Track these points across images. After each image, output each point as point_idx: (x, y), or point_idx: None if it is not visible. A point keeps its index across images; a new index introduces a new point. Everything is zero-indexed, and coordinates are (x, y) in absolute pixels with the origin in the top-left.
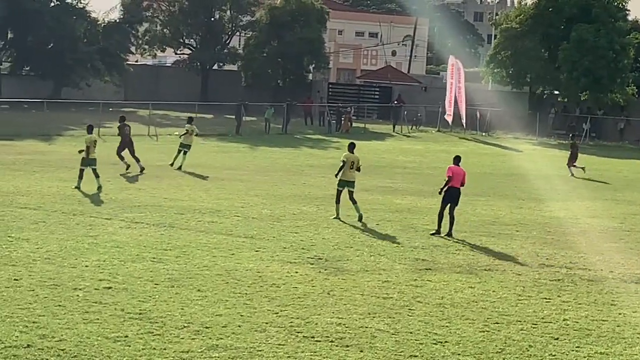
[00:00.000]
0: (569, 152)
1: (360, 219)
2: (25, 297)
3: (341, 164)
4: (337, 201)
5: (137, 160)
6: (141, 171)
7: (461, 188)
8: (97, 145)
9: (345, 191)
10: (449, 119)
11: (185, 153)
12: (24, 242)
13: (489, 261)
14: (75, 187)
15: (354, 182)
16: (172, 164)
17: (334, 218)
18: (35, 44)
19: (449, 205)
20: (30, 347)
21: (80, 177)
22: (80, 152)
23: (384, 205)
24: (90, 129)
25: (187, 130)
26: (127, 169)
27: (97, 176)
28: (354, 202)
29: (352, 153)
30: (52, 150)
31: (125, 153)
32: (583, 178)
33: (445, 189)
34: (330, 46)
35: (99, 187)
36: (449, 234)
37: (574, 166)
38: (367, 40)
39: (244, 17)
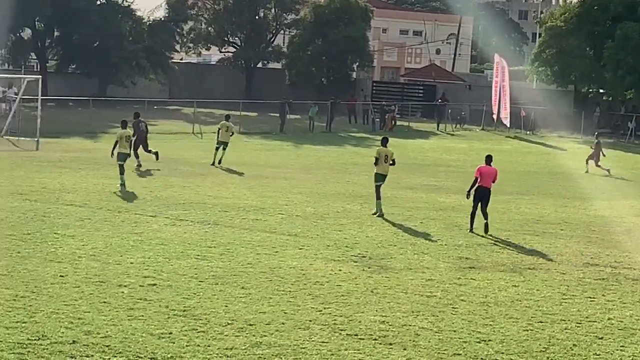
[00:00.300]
0: (592, 150)
1: (376, 213)
2: (70, 294)
3: (374, 159)
4: (378, 197)
5: (137, 157)
6: (138, 167)
7: (492, 186)
8: (129, 140)
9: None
10: (506, 121)
11: (223, 149)
12: (69, 239)
13: (533, 260)
14: (121, 184)
15: (386, 175)
16: (213, 164)
17: (375, 214)
18: (81, 42)
19: (480, 203)
20: (76, 343)
21: (121, 172)
22: (112, 152)
23: (428, 204)
24: (124, 124)
25: (220, 127)
26: (138, 166)
27: (121, 173)
28: (378, 198)
29: (385, 147)
30: (97, 147)
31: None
32: (622, 178)
33: (474, 188)
34: (375, 44)
35: (122, 183)
36: (486, 231)
37: (599, 166)
38: (412, 38)
39: (289, 15)
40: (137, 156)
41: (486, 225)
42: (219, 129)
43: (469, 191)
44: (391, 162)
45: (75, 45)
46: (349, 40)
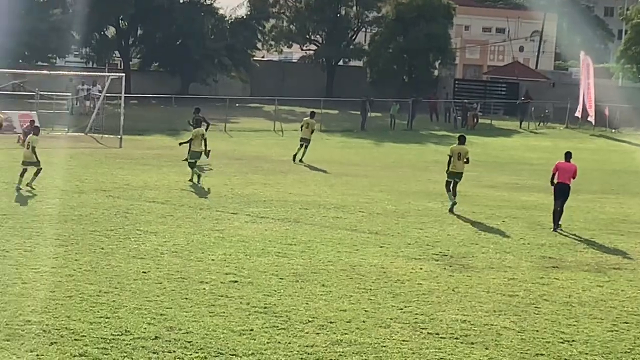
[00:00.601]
0: None
1: (451, 209)
2: (153, 290)
3: (447, 157)
4: (448, 189)
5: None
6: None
7: (577, 185)
8: (204, 139)
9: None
10: (591, 119)
11: (305, 147)
12: (152, 235)
13: (618, 260)
14: (190, 180)
15: (461, 173)
16: (294, 160)
17: (452, 204)
18: (164, 40)
19: (560, 200)
20: (158, 339)
21: (192, 167)
22: (180, 144)
23: (510, 202)
24: (197, 122)
25: (302, 124)
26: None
27: (192, 167)
28: (454, 195)
29: (462, 145)
30: (178, 145)
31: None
32: None
33: (555, 184)
34: (457, 42)
35: (191, 180)
36: (556, 227)
37: None
38: (494, 36)
39: (370, 12)
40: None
41: (558, 222)
42: (302, 125)
43: (551, 182)
44: (465, 160)
45: (158, 43)
46: (430, 38)
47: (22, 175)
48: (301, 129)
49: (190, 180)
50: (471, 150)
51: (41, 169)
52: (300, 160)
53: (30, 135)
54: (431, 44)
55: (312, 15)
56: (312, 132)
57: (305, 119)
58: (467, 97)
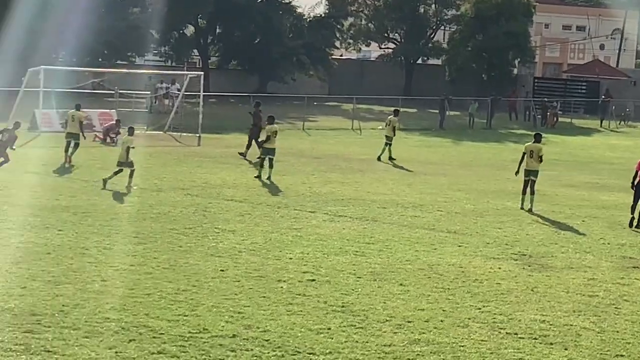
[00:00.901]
0: None
1: (530, 210)
2: (230, 288)
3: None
4: (523, 192)
5: (248, 148)
6: (244, 156)
7: None
8: (277, 136)
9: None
10: None
11: (387, 145)
12: (230, 233)
13: None
14: (256, 177)
15: (536, 171)
16: (379, 158)
17: (528, 210)
18: (242, 38)
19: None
20: (236, 337)
21: (261, 165)
22: (261, 142)
23: (590, 202)
24: (271, 120)
25: (386, 122)
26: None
27: (271, 167)
28: (532, 193)
29: (537, 143)
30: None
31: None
32: None
33: (636, 182)
34: (536, 40)
35: (268, 177)
36: (630, 224)
37: None
38: (575, 34)
39: (449, 10)
40: (259, 146)
41: (632, 220)
42: (386, 123)
43: (632, 183)
44: (539, 158)
45: (236, 41)
46: (510, 36)
47: (115, 173)
48: (385, 127)
49: (257, 177)
50: (551, 149)
51: (134, 169)
52: (379, 159)
53: (126, 136)
54: (510, 42)
55: (390, 14)
56: (393, 130)
57: (389, 117)
58: (546, 95)
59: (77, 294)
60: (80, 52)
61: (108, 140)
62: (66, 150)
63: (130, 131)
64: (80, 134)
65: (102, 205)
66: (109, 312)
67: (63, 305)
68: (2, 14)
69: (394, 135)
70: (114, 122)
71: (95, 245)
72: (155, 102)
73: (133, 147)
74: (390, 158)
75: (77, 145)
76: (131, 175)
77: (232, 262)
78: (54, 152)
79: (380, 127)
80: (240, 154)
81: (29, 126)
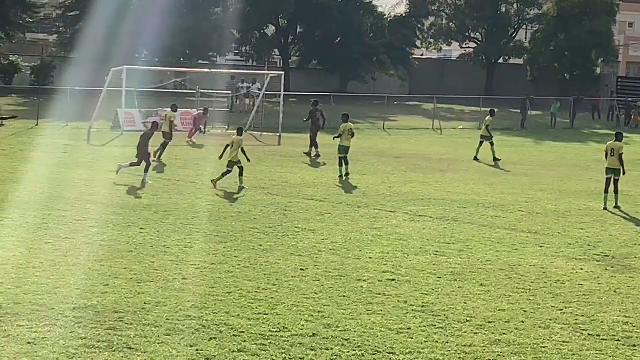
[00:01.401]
0: None
1: (616, 206)
2: (310, 287)
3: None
4: (605, 191)
5: (315, 146)
6: (316, 157)
7: None
8: (352, 134)
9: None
10: None
11: (480, 144)
12: (310, 233)
13: None
14: (340, 176)
15: (617, 170)
16: (475, 158)
17: (603, 209)
18: (323, 38)
19: None
20: (316, 336)
21: (340, 164)
22: (334, 138)
23: None
24: (346, 118)
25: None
26: (315, 156)
27: (346, 163)
28: (616, 192)
29: (618, 142)
30: (337, 143)
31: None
32: None
33: None
34: (620, 39)
35: (344, 175)
36: None
37: None
38: None
39: (531, 10)
40: (316, 145)
41: None
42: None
43: None
44: (619, 157)
45: (317, 41)
46: (593, 35)
47: (223, 175)
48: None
49: (341, 176)
50: (634, 149)
51: (242, 167)
52: (476, 159)
53: (235, 136)
54: (593, 41)
55: (471, 13)
56: (487, 129)
57: (487, 118)
58: (630, 95)
59: (158, 291)
60: (162, 52)
61: (196, 133)
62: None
63: (239, 131)
64: (170, 133)
65: (183, 204)
66: (190, 310)
67: (145, 303)
68: (85, 14)
69: (490, 134)
70: (202, 110)
71: (177, 244)
72: (237, 102)
73: (241, 147)
74: (495, 159)
75: (165, 144)
76: (241, 174)
77: (312, 261)
78: (136, 151)
79: (461, 127)
80: (305, 153)
81: (111, 125)
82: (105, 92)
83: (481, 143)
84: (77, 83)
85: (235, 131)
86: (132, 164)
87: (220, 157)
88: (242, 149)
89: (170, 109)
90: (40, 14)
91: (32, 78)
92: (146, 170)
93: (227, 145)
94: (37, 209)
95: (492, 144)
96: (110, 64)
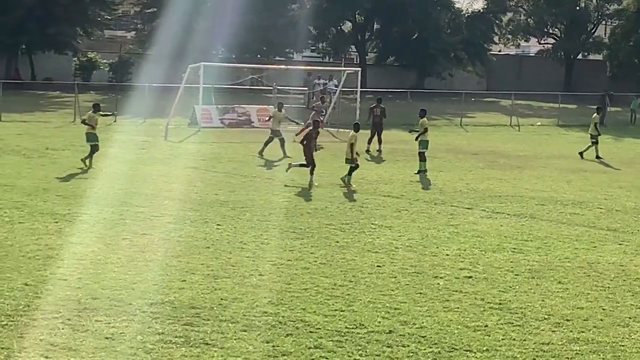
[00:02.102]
0: None
1: None
2: (387, 284)
3: None
4: None
5: (380, 142)
6: (379, 153)
7: None
8: (428, 131)
9: None
10: None
11: (594, 143)
12: (386, 229)
13: None
14: (416, 173)
15: None
16: (581, 154)
17: None
18: (400, 34)
19: None
20: (392, 333)
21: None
22: (417, 137)
23: None
24: (423, 113)
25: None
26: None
27: (423, 160)
28: None
29: None
30: (414, 139)
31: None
32: None
33: None
34: None
35: (418, 172)
36: None
37: None
38: None
39: (611, 5)
40: (379, 141)
41: None
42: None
43: None
44: None
45: (394, 37)
46: None
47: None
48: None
49: (418, 172)
50: None
51: (357, 165)
52: (598, 157)
53: (352, 132)
54: None
55: (550, 9)
56: (595, 127)
57: (594, 115)
58: None
59: (235, 287)
60: (238, 48)
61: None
62: (265, 144)
63: (356, 127)
64: (278, 130)
65: (259, 200)
66: (266, 306)
67: (221, 299)
68: (162, 11)
69: (598, 133)
70: (320, 99)
71: (253, 240)
72: (312, 98)
73: (352, 143)
74: (597, 157)
75: (281, 141)
76: (350, 172)
77: (389, 258)
78: (213, 147)
79: (539, 124)
80: (377, 150)
81: (188, 122)
82: (183, 89)
83: (594, 142)
84: (154, 79)
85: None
86: (301, 165)
87: (353, 159)
88: (352, 145)
89: (276, 108)
90: (118, 11)
91: (110, 75)
92: (312, 172)
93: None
94: (115, 205)
95: (593, 143)
96: (187, 61)
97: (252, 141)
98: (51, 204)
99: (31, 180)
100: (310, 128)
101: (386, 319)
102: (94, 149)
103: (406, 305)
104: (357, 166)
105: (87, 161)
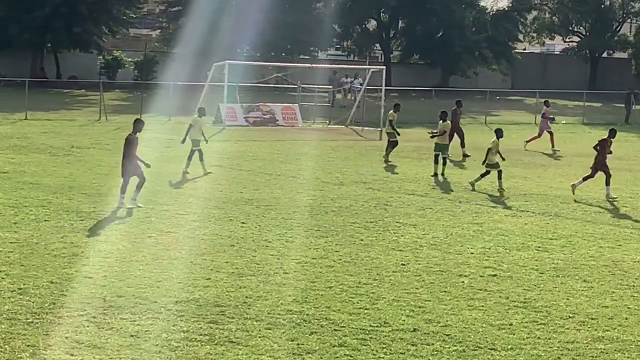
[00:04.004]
0: None
1: None
2: (411, 282)
3: None
4: None
5: (463, 145)
6: (464, 157)
7: None
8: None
9: None
10: None
11: None
12: (411, 227)
13: None
14: (434, 175)
15: None
16: None
17: None
18: (424, 32)
19: None
20: (416, 331)
21: (435, 162)
22: (432, 136)
23: None
24: (444, 116)
25: None
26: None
27: (444, 164)
28: None
29: None
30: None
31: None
32: None
33: None
34: None
35: (437, 174)
36: None
37: None
38: None
39: (636, 3)
40: (462, 145)
41: None
42: None
43: None
44: None
45: (418, 35)
46: None
47: (482, 176)
48: None
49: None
50: None
51: (501, 170)
52: None
53: (493, 139)
54: None
55: (575, 7)
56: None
57: None
58: None
59: (259, 285)
60: (263, 46)
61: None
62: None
63: (499, 133)
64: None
65: (284, 198)
66: (291, 305)
67: (246, 297)
68: (187, 10)
69: None
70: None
71: (278, 238)
72: (342, 96)
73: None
74: None
75: (393, 143)
76: (500, 177)
77: (413, 256)
78: (238, 145)
79: (564, 122)
80: (464, 155)
81: (213, 120)
82: (208, 87)
83: None
84: (179, 78)
85: (340, 125)
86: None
87: (495, 163)
88: (489, 150)
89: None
90: (143, 9)
91: (135, 73)
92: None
93: (489, 149)
94: (140, 203)
95: None
96: (211, 59)
97: (276, 139)
98: (76, 202)
99: (57, 179)
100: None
101: (410, 317)
102: (199, 153)
103: (430, 303)
104: (500, 171)
105: (203, 166)
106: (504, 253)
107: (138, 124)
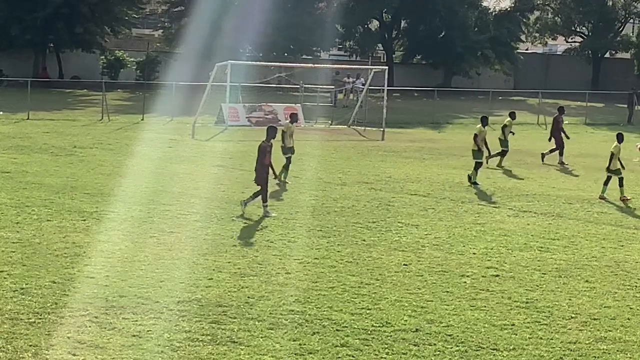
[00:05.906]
0: None
1: None
2: (413, 282)
3: None
4: None
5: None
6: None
7: None
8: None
9: None
10: None
11: None
12: (413, 228)
13: None
14: (468, 175)
15: None
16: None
17: None
18: (427, 33)
19: None
20: (419, 332)
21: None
22: (491, 156)
23: None
24: (484, 121)
25: None
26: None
27: (475, 168)
28: None
29: None
30: (441, 138)
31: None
32: None
33: None
34: None
35: (470, 177)
36: None
37: None
38: None
39: (638, 3)
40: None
41: None
42: None
43: None
44: None
45: (421, 36)
46: None
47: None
48: None
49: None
50: None
51: (622, 177)
52: None
53: (615, 143)
54: None
55: (577, 7)
56: None
57: None
58: None
59: (262, 285)
60: (266, 46)
61: None
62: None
63: (620, 137)
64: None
65: (286, 198)
66: (293, 305)
67: (248, 297)
68: (190, 10)
69: None
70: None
71: (280, 238)
72: (343, 96)
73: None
74: None
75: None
76: (621, 184)
77: (415, 257)
78: (240, 145)
79: (566, 122)
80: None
81: (215, 120)
82: (210, 87)
83: None
84: (181, 78)
85: (342, 125)
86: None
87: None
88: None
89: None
90: (145, 9)
91: (137, 73)
92: None
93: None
94: (142, 203)
95: None
96: (214, 59)
97: (278, 139)
98: (79, 201)
99: (59, 178)
100: None
101: (413, 317)
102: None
103: (433, 303)
104: (621, 178)
105: (282, 175)
106: (506, 253)
107: (271, 132)
